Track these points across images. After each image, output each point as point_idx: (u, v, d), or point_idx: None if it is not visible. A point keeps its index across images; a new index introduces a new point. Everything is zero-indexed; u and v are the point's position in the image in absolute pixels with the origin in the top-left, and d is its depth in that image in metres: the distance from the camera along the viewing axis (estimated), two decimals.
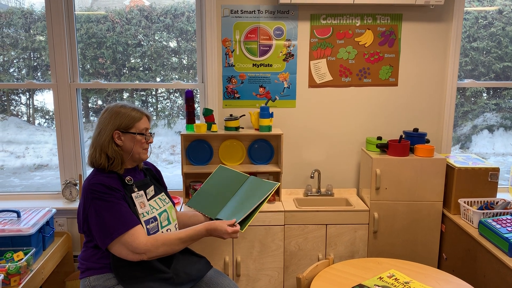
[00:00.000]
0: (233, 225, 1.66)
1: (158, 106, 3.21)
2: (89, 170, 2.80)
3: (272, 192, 1.83)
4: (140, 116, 1.68)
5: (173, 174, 3.25)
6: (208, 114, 2.61)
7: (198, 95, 2.78)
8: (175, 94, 3.18)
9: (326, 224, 2.47)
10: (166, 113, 3.22)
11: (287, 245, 2.46)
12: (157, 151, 3.48)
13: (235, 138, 2.70)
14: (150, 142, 1.74)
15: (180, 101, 3.20)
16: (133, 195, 1.65)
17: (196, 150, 2.65)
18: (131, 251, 1.51)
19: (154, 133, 1.80)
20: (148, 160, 1.98)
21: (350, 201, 2.66)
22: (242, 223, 1.70)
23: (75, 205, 2.65)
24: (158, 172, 1.96)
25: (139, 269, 1.59)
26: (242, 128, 2.68)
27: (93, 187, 1.54)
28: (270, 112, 2.60)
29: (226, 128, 2.63)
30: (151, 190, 1.75)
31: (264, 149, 2.67)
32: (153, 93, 3.16)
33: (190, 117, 2.61)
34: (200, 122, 2.79)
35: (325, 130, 2.81)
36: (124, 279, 1.57)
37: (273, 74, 2.70)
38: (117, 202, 1.54)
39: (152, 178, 1.84)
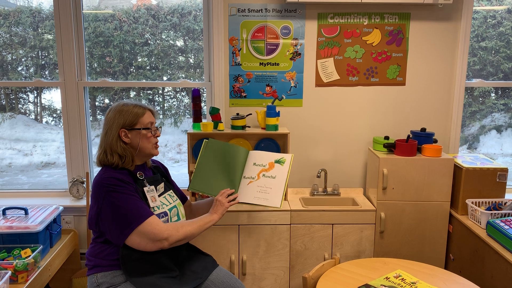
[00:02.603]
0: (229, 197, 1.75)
1: (165, 105, 3.23)
2: (96, 168, 2.79)
3: (291, 163, 1.90)
4: (142, 111, 1.69)
5: (179, 173, 3.26)
6: (214, 113, 2.61)
7: (205, 94, 2.80)
8: (182, 93, 3.19)
9: (333, 224, 2.47)
10: (173, 112, 3.24)
11: (293, 245, 2.46)
12: (163, 150, 3.49)
13: (242, 137, 2.70)
14: (157, 136, 1.75)
15: (187, 100, 3.22)
16: (145, 189, 1.66)
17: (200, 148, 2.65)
18: (151, 239, 1.52)
19: (161, 127, 1.81)
20: (155, 158, 2.04)
21: (356, 200, 2.66)
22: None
23: (82, 202, 2.66)
24: (166, 170, 1.98)
25: (148, 265, 1.60)
26: (249, 127, 2.69)
27: (106, 181, 1.56)
28: (277, 111, 2.61)
29: (233, 127, 2.63)
30: (161, 187, 1.77)
31: (271, 148, 2.67)
32: (160, 92, 3.18)
33: (197, 116, 2.62)
34: (206, 121, 2.80)
35: (332, 130, 2.82)
36: (131, 274, 1.58)
37: (280, 73, 2.71)
38: (132, 194, 1.56)
39: (161, 175, 1.86)
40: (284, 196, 1.77)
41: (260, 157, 1.95)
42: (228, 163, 1.89)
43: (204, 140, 2.02)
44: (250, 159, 1.94)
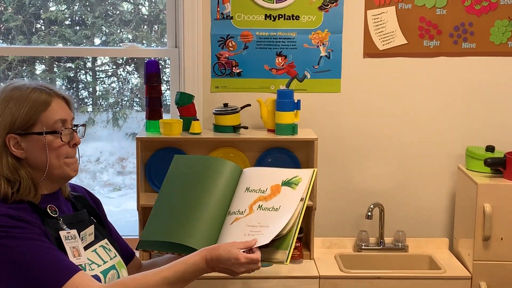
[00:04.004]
0: (250, 250, 1.68)
1: (97, 88, 3.20)
2: None
3: (312, 184, 1.85)
4: (46, 99, 1.65)
5: (120, 209, 3.26)
6: (185, 103, 2.64)
7: (168, 70, 2.80)
8: (127, 67, 3.20)
9: None
10: (111, 101, 3.22)
11: None
12: (93, 168, 3.44)
13: (233, 145, 2.73)
14: (76, 144, 1.73)
15: (136, 79, 3.19)
16: (62, 234, 1.65)
17: (164, 167, 2.36)
18: None
19: (84, 125, 1.79)
20: (78, 182, 2.03)
21: (437, 260, 2.68)
22: (277, 245, 1.73)
23: None
24: (98, 204, 1.95)
25: None
26: (246, 128, 2.70)
27: None
28: (295, 101, 2.64)
29: (217, 128, 2.66)
30: (89, 233, 1.76)
31: (283, 165, 2.62)
32: (89, 65, 3.14)
33: (154, 109, 2.66)
34: (171, 117, 2.82)
35: (394, 134, 2.84)
36: None
37: (301, 34, 2.74)
38: (38, 239, 1.55)
39: (89, 213, 1.84)
40: (294, 243, 1.73)
41: (259, 178, 1.94)
42: (206, 191, 1.89)
43: (175, 155, 2.03)
44: (243, 181, 1.94)
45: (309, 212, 2.66)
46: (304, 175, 1.89)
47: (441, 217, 2.91)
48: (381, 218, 2.81)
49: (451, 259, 2.72)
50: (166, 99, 2.88)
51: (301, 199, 1.81)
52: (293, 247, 1.72)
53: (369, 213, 2.73)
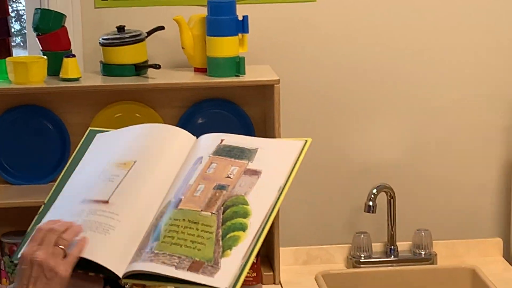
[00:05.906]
0: None
1: None
2: None
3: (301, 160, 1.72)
4: None
5: None
6: (50, 29, 2.62)
7: None
8: None
9: None
10: None
11: None
12: None
13: (137, 98, 2.74)
14: None
15: None
16: None
17: (20, 138, 2.71)
18: None
19: None
20: None
21: (484, 275, 2.66)
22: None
23: None
24: None
25: None
26: (157, 67, 2.64)
27: None
28: (240, 18, 2.60)
29: (108, 70, 2.65)
30: None
31: (225, 128, 2.38)
32: None
33: None
34: (28, 54, 2.83)
35: (413, 71, 2.80)
36: None
37: None
38: None
39: None
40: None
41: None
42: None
43: (90, 130, 1.97)
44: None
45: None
46: (285, 147, 1.77)
47: (490, 205, 2.86)
48: (391, 211, 2.74)
49: (507, 272, 2.69)
50: (20, 24, 2.82)
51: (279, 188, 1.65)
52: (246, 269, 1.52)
53: (371, 203, 2.67)
